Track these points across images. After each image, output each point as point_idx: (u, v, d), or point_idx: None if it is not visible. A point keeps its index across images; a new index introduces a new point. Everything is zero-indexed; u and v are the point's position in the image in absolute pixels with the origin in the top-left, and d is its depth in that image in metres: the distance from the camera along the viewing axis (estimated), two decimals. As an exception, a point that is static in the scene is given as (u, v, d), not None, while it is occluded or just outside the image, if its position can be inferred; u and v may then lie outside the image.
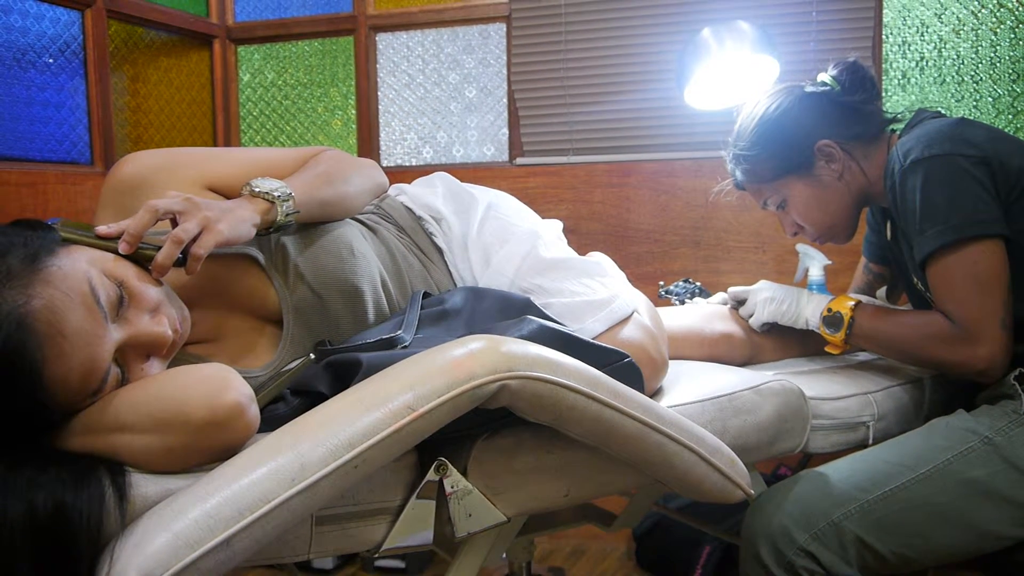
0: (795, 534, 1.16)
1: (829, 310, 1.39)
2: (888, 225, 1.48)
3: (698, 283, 1.77)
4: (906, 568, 1.20)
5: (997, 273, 1.23)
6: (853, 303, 1.37)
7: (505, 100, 2.68)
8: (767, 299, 1.48)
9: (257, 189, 1.02)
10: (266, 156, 1.17)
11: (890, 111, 1.48)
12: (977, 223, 1.23)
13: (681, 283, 1.77)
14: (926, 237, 1.26)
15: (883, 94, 2.34)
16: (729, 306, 1.57)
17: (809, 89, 1.45)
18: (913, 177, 1.27)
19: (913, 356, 1.33)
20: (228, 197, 1.08)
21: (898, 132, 1.44)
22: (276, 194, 1.03)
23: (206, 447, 0.83)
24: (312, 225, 1.12)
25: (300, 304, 1.09)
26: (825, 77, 1.46)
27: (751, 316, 1.50)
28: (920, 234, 1.27)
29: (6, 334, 0.77)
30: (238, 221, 0.97)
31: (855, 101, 1.43)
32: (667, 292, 1.77)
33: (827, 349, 1.42)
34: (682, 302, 1.72)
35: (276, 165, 1.14)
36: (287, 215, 1.03)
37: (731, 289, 1.58)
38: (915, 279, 1.39)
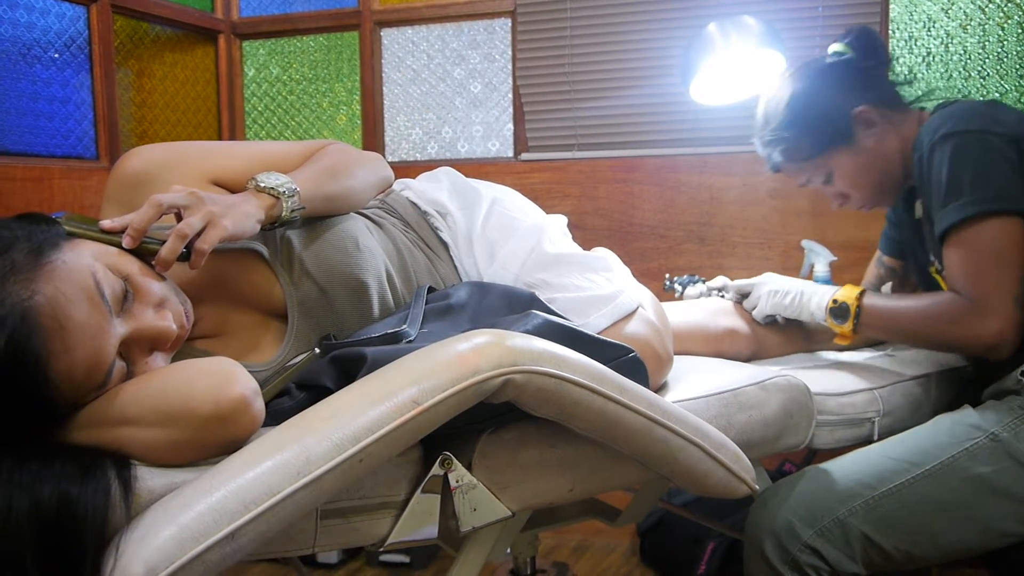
0: (800, 530, 1.16)
1: (835, 301, 1.38)
2: (917, 205, 1.47)
3: (703, 279, 1.77)
4: (911, 564, 1.20)
5: (1017, 250, 1.23)
6: (858, 291, 1.37)
7: (510, 95, 2.68)
8: (771, 291, 1.47)
9: (262, 184, 1.02)
10: (271, 150, 1.16)
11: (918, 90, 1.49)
12: (1001, 198, 1.22)
13: (686, 278, 1.77)
14: (948, 210, 1.25)
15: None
16: (733, 300, 1.57)
17: (829, 60, 1.45)
18: (941, 150, 1.27)
19: (923, 336, 1.32)
20: (233, 191, 1.07)
21: (928, 110, 1.44)
22: (281, 189, 1.02)
23: (211, 441, 0.83)
24: (317, 219, 1.12)
25: (305, 299, 1.08)
26: (837, 47, 1.45)
27: (755, 308, 1.50)
28: (943, 207, 1.26)
29: (11, 328, 0.77)
30: (243, 216, 0.96)
31: (873, 65, 1.44)
32: (673, 284, 1.76)
33: (836, 341, 1.41)
34: (683, 287, 1.71)
35: (281, 159, 1.14)
36: (292, 210, 1.03)
37: (735, 282, 1.57)
38: (932, 258, 1.38)
